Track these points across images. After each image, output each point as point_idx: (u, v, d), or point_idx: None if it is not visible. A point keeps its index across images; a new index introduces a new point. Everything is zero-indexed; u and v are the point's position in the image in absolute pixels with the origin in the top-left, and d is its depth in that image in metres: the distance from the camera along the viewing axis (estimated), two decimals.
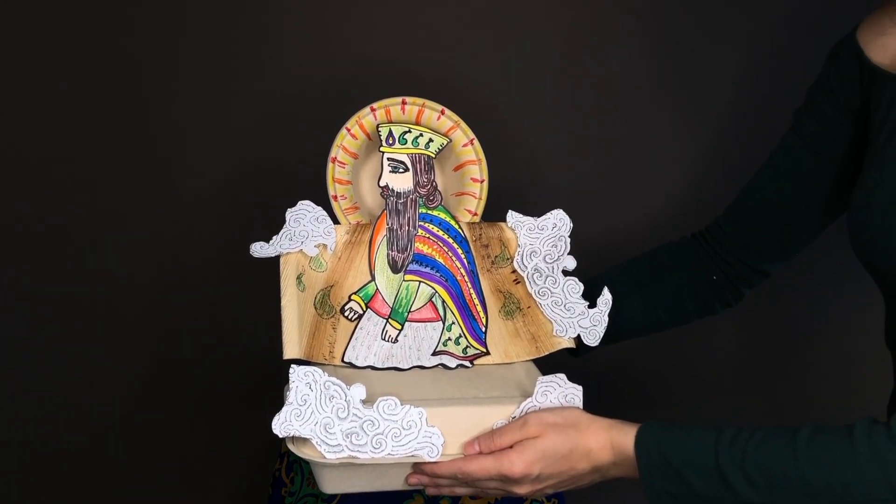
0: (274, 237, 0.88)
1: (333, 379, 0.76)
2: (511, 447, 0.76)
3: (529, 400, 0.79)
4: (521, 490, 0.77)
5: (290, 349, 0.83)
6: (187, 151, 1.25)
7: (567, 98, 1.20)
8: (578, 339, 0.91)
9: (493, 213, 0.95)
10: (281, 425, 0.75)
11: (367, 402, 0.77)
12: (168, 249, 1.30)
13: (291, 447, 0.77)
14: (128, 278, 1.31)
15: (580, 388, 0.80)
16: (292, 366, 0.76)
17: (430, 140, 0.92)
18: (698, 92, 1.22)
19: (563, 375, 0.80)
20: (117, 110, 1.23)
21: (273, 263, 0.88)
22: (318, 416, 0.76)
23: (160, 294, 1.32)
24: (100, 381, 1.36)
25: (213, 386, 1.37)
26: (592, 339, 0.89)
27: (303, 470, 1.04)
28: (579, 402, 0.80)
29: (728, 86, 1.22)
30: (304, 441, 0.77)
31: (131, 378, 1.36)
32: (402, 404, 0.77)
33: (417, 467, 0.79)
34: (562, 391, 0.79)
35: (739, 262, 0.97)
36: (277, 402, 1.26)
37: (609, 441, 0.76)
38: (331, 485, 0.80)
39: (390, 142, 0.91)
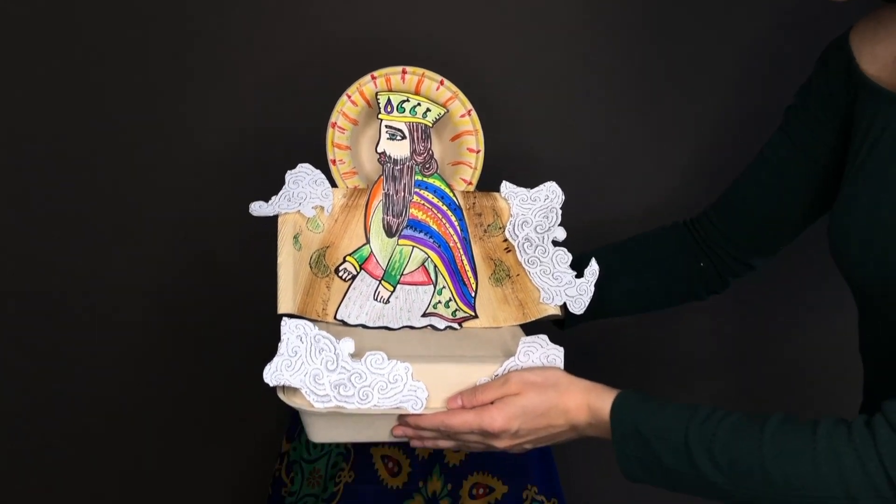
0: (273, 197, 0.91)
1: (323, 332, 0.79)
2: (492, 403, 0.79)
3: (512, 359, 0.82)
4: (500, 444, 0.80)
5: (285, 304, 0.86)
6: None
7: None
8: (565, 307, 0.94)
9: (488, 183, 0.98)
10: (272, 374, 0.78)
11: (356, 356, 0.80)
12: (170, 232, 1.30)
13: (282, 396, 0.81)
14: (122, 273, 1.32)
15: (561, 349, 0.83)
16: (284, 318, 0.79)
17: (428, 109, 0.95)
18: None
19: (545, 337, 0.82)
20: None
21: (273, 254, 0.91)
22: (307, 367, 0.79)
23: (160, 292, 1.33)
24: (99, 381, 1.36)
25: (214, 386, 1.37)
26: (578, 307, 0.92)
27: (303, 470, 1.09)
28: (560, 362, 0.83)
29: (735, 70, 1.22)
30: (294, 391, 0.80)
31: (130, 377, 1.36)
32: (388, 359, 0.80)
33: (402, 420, 0.82)
34: (544, 352, 0.82)
35: (725, 252, 0.99)
36: (277, 403, 1.29)
37: (587, 403, 0.79)
38: (319, 433, 0.83)
39: (388, 110, 0.94)
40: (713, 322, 1.31)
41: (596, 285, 0.94)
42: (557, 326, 1.00)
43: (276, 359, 0.79)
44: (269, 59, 1.22)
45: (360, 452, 1.07)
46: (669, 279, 1.02)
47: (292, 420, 1.12)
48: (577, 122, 1.23)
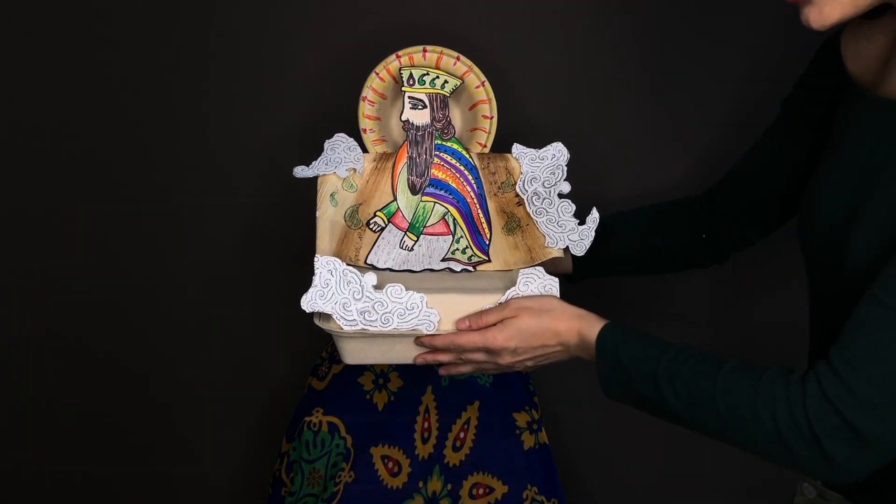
0: (313, 162, 1.06)
1: (350, 268, 0.93)
2: (494, 325, 0.92)
3: (513, 289, 0.94)
4: (503, 360, 0.92)
5: (322, 250, 1.01)
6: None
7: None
8: (569, 254, 1.05)
9: (501, 148, 1.10)
10: (308, 303, 0.93)
11: (378, 288, 0.94)
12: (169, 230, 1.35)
13: (317, 322, 0.95)
14: (120, 272, 1.36)
15: (556, 279, 0.94)
16: (317, 255, 0.94)
17: (446, 81, 1.08)
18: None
19: (541, 268, 0.94)
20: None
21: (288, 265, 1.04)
22: (337, 297, 0.93)
23: (159, 291, 1.36)
24: (98, 381, 1.39)
25: (214, 386, 1.40)
26: (579, 250, 1.03)
27: (303, 470, 1.14)
28: (556, 291, 0.94)
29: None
30: (327, 317, 0.94)
31: (130, 377, 1.39)
32: (406, 290, 0.93)
33: (419, 342, 0.95)
34: (541, 282, 0.94)
35: (725, 227, 1.08)
36: (278, 405, 1.37)
37: (577, 329, 0.91)
38: (350, 356, 0.97)
39: (411, 83, 1.07)
40: (709, 283, 1.36)
41: (604, 243, 1.06)
42: (567, 280, 1.12)
43: (310, 290, 0.93)
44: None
45: (360, 452, 1.12)
46: (672, 246, 1.11)
47: (292, 420, 1.20)
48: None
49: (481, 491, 1.13)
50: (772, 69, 1.19)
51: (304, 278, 1.26)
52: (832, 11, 0.75)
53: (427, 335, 0.93)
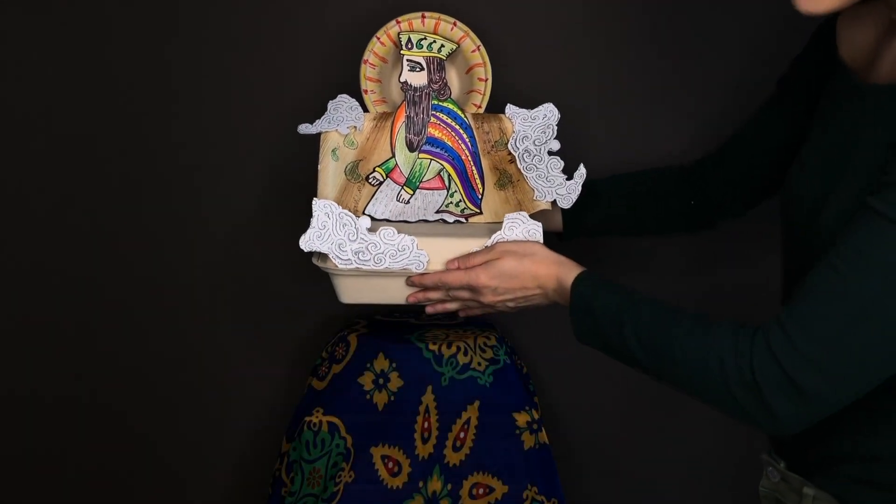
0: (317, 120, 1.12)
1: (346, 211, 0.99)
2: (480, 265, 0.97)
3: (499, 233, 1.00)
4: (485, 299, 0.97)
5: (323, 196, 1.07)
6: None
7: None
8: (567, 222, 1.11)
9: (497, 109, 1.16)
10: (306, 242, 0.99)
11: (372, 231, 1.00)
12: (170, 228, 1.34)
13: (315, 261, 1.01)
14: (119, 271, 1.35)
15: (540, 224, 1.00)
16: (315, 199, 1.00)
17: (442, 45, 1.14)
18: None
19: (525, 213, 1.00)
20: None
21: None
22: (333, 238, 0.99)
23: (160, 290, 1.37)
24: (98, 381, 1.39)
25: (214, 386, 1.40)
26: (566, 203, 1.09)
27: (303, 470, 1.16)
28: (539, 235, 1.00)
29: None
30: (324, 257, 1.00)
31: (130, 377, 1.39)
32: (398, 233, 0.99)
33: (410, 282, 1.01)
34: (525, 227, 1.00)
35: (715, 195, 1.12)
36: (278, 405, 1.38)
37: (556, 274, 0.96)
38: (346, 294, 1.03)
39: (409, 46, 1.14)
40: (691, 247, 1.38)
41: (594, 204, 1.11)
42: (559, 239, 1.17)
43: (308, 231, 0.99)
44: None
45: (360, 452, 1.14)
46: (660, 210, 1.16)
47: (292, 420, 1.22)
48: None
49: (481, 491, 1.15)
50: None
51: (305, 279, 1.29)
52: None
53: (417, 274, 0.99)
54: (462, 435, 1.16)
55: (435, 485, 1.15)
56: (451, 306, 1.02)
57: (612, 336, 0.87)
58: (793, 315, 0.75)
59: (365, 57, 1.15)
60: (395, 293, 1.03)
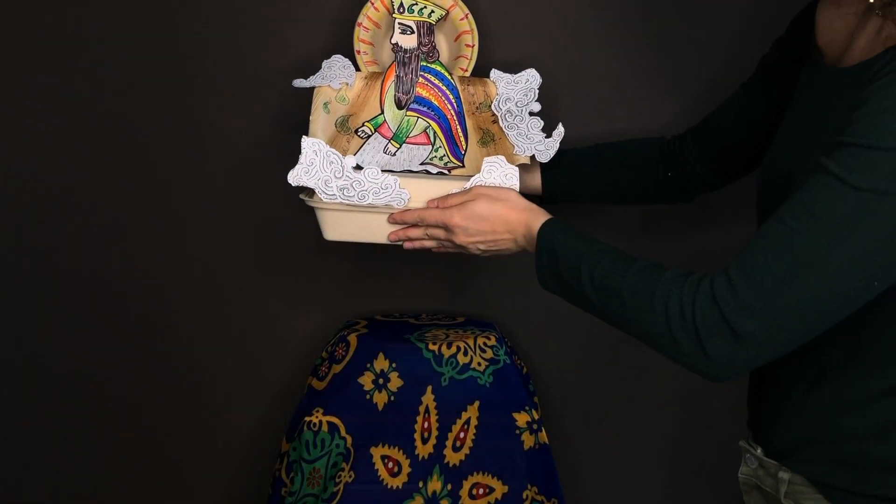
0: (311, 76, 1.18)
1: (333, 150, 1.05)
2: (455, 206, 1.02)
3: (478, 175, 1.05)
4: (457, 239, 1.02)
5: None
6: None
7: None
8: (547, 185, 1.16)
9: (483, 74, 1.22)
10: (294, 177, 1.04)
11: (357, 170, 1.05)
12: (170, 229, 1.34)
13: (302, 197, 1.06)
14: (118, 271, 1.36)
15: (517, 168, 1.05)
16: (304, 136, 1.05)
17: (432, 11, 1.21)
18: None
19: (503, 157, 1.05)
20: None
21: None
22: (320, 174, 1.04)
23: (159, 290, 1.37)
24: (97, 380, 1.39)
25: (214, 386, 1.40)
26: (544, 157, 1.14)
27: (303, 470, 1.17)
28: (516, 178, 1.05)
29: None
30: (311, 192, 1.05)
31: (129, 377, 1.39)
32: (381, 173, 1.04)
33: (392, 219, 1.05)
34: (502, 170, 1.05)
35: (692, 168, 1.16)
36: (278, 405, 1.40)
37: (525, 220, 1.00)
38: (331, 229, 1.08)
39: (401, 10, 1.20)
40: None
41: (574, 170, 1.16)
42: (542, 200, 1.22)
43: (296, 167, 1.04)
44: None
45: (360, 452, 1.15)
46: (638, 179, 1.20)
47: (292, 420, 1.23)
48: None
49: (481, 491, 1.17)
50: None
51: (305, 279, 1.35)
52: None
53: (399, 210, 1.04)
54: (462, 435, 1.18)
55: (435, 485, 1.16)
56: (428, 244, 1.06)
57: (569, 279, 0.91)
58: (738, 264, 0.78)
59: (359, 20, 1.21)
60: (378, 231, 1.07)
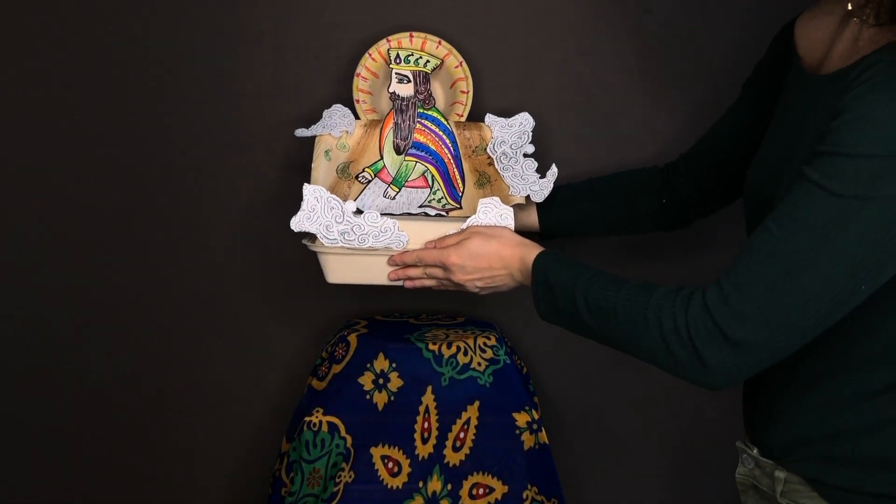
0: (312, 125, 1.23)
1: (333, 196, 1.09)
2: (451, 245, 1.06)
3: (473, 216, 1.09)
4: (456, 277, 1.05)
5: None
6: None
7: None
8: (544, 222, 1.19)
9: (477, 118, 1.26)
10: (296, 223, 1.08)
11: (357, 215, 1.09)
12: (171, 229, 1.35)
13: (305, 242, 1.10)
14: (117, 271, 1.36)
15: (511, 208, 1.08)
16: (305, 184, 1.09)
17: (427, 61, 1.25)
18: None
19: (497, 199, 1.08)
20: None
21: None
22: (321, 220, 1.08)
23: (159, 291, 1.38)
24: (97, 380, 1.39)
25: (214, 386, 1.40)
26: (539, 197, 1.17)
27: (303, 470, 1.17)
28: (510, 218, 1.08)
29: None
30: (312, 237, 1.09)
31: (129, 377, 1.40)
32: (380, 216, 1.08)
33: (391, 261, 1.09)
34: (497, 211, 1.08)
35: (686, 194, 1.19)
36: (278, 405, 1.42)
37: (520, 255, 1.03)
38: (332, 273, 1.11)
39: (398, 61, 1.25)
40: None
41: (570, 205, 1.19)
42: (539, 236, 1.25)
43: (299, 213, 1.08)
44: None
45: (360, 452, 1.15)
46: (633, 209, 1.22)
47: (292, 420, 1.24)
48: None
49: (481, 491, 1.17)
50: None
51: (305, 279, 1.36)
52: None
53: (398, 252, 1.07)
54: (462, 435, 1.18)
55: (435, 485, 1.16)
56: (428, 282, 1.10)
57: (565, 305, 0.93)
58: (729, 274, 0.81)
59: (358, 70, 1.26)
60: (379, 273, 1.11)
